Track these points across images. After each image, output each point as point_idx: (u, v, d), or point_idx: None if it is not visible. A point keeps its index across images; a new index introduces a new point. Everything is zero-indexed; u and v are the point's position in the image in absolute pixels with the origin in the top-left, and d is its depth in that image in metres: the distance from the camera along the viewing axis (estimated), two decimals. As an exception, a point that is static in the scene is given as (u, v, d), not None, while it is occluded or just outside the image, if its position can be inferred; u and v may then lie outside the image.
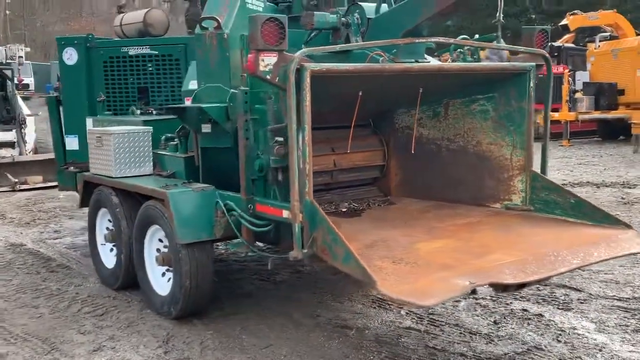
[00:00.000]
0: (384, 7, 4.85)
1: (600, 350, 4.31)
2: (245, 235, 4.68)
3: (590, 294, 5.42)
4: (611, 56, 17.43)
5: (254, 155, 4.93)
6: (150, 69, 6.92)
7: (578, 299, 5.29)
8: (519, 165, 4.96)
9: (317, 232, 3.85)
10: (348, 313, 5.09)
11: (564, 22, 18.32)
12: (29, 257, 7.16)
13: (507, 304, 5.19)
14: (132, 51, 6.99)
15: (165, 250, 5.14)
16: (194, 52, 6.55)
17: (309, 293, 5.58)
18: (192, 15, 7.09)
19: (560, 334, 4.57)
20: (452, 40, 4.36)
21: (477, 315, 4.97)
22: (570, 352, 4.29)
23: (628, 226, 4.49)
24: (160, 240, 5.21)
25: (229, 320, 4.98)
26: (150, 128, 5.80)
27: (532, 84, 4.89)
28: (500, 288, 3.62)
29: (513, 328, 4.72)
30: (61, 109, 7.54)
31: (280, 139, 4.48)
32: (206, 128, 5.25)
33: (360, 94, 4.45)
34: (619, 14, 18.44)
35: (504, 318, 4.91)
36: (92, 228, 6.13)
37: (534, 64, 4.90)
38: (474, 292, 3.49)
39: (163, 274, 5.22)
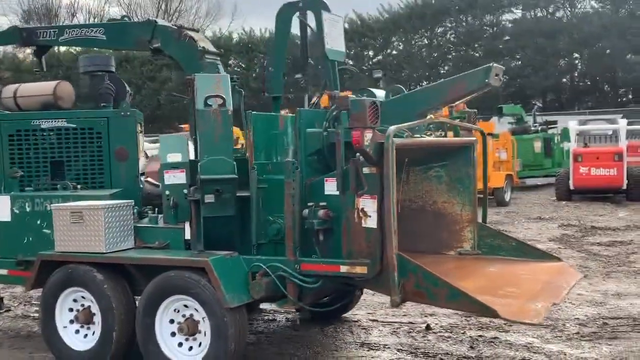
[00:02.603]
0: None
1: (563, 354, 5.66)
2: (292, 293, 5.10)
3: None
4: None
5: (266, 220, 5.44)
6: (67, 142, 6.72)
7: (505, 323, 6.62)
8: (468, 219, 6.16)
9: (406, 279, 4.58)
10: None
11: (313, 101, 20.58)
12: None
13: (462, 334, 6.31)
14: (45, 124, 6.73)
15: (183, 319, 5.23)
16: (117, 125, 6.72)
17: (305, 348, 6.04)
18: (105, 89, 7.14)
19: (528, 347, 5.84)
20: (447, 120, 5.45)
21: (455, 344, 6.00)
22: (546, 359, 5.56)
23: (559, 259, 5.98)
24: (176, 311, 5.28)
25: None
26: (132, 201, 5.80)
27: (475, 155, 6.21)
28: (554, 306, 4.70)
29: (491, 349, 5.84)
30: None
31: (324, 203, 5.11)
32: (209, 198, 5.54)
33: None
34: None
35: (474, 343, 6.01)
36: (50, 311, 5.74)
37: (475, 138, 6.24)
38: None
39: (180, 344, 5.27)
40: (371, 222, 4.82)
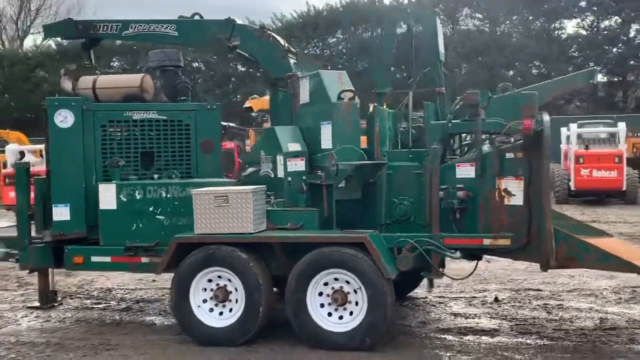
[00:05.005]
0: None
1: (627, 313, 6.76)
2: (436, 263, 5.78)
3: (553, 290, 7.85)
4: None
5: (392, 202, 6.12)
6: (157, 133, 6.97)
7: (554, 293, 7.66)
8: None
9: (558, 247, 5.43)
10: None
11: (247, 104, 21.02)
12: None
13: (529, 303, 7.27)
14: (137, 116, 6.93)
15: (332, 291, 5.74)
16: (203, 118, 7.06)
17: (409, 319, 6.71)
18: (184, 83, 7.45)
19: (595, 310, 6.88)
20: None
21: (533, 311, 6.92)
22: (616, 316, 6.63)
23: (612, 235, 7.09)
24: (325, 284, 5.78)
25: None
26: (265, 186, 6.21)
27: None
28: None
29: (566, 313, 6.82)
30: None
31: (460, 185, 5.85)
32: (342, 183, 6.13)
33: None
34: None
35: (548, 309, 6.97)
36: (184, 292, 6.00)
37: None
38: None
39: (330, 314, 5.78)
40: (516, 200, 5.63)
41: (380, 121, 6.29)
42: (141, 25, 7.72)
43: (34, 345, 6.21)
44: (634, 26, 37.08)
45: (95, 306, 7.76)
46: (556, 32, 38.83)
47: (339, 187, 6.10)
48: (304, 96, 6.62)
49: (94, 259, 6.59)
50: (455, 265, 6.96)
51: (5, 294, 8.60)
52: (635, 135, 24.42)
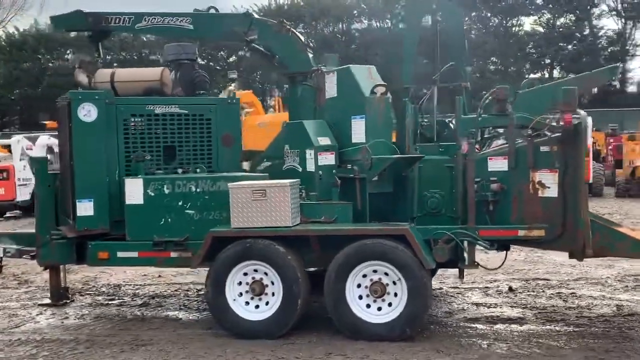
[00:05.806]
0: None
1: (635, 302, 7.04)
2: (471, 255, 5.92)
3: (559, 279, 8.12)
4: (258, 128, 20.67)
5: (423, 195, 6.25)
6: (179, 127, 6.93)
7: (562, 283, 7.92)
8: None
9: (593, 237, 5.63)
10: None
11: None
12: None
13: (543, 292, 7.50)
14: (159, 110, 6.88)
15: (370, 283, 5.81)
16: (224, 112, 7.08)
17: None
18: (202, 77, 7.44)
19: (608, 297, 7.15)
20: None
21: (549, 299, 7.15)
22: (631, 303, 6.91)
23: (621, 225, 7.37)
24: (364, 276, 5.86)
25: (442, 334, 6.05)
26: (299, 180, 6.25)
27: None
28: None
29: (582, 301, 7.07)
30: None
31: (494, 178, 6.01)
32: (375, 176, 6.22)
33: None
34: (253, 94, 22.03)
35: (565, 298, 7.21)
36: (220, 286, 5.99)
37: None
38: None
39: (368, 306, 5.86)
40: (550, 192, 5.80)
41: (409, 116, 6.40)
42: (155, 18, 7.63)
43: (63, 343, 6.10)
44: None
45: (109, 302, 7.66)
46: (513, 29, 39.70)
47: (372, 180, 6.18)
48: (331, 90, 6.67)
49: (120, 254, 6.51)
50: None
51: (9, 292, 8.41)
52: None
